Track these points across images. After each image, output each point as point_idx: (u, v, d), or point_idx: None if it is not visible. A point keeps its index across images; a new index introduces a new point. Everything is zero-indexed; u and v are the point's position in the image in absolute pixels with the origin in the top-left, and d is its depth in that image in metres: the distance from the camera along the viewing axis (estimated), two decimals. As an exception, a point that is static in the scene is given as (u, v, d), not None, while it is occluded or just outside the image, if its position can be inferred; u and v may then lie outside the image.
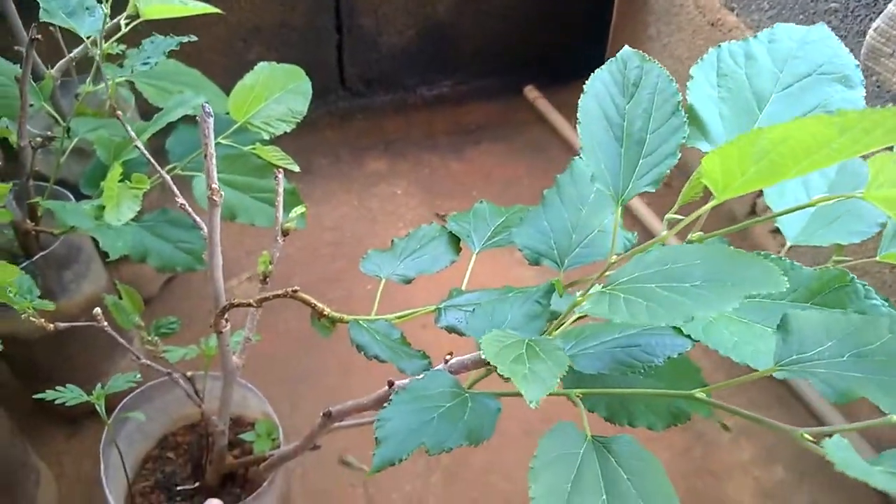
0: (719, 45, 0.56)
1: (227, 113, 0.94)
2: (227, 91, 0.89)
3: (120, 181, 0.75)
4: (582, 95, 0.42)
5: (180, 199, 0.63)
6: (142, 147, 0.63)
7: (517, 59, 1.84)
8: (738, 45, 0.55)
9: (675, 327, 0.45)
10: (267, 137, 0.84)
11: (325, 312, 0.59)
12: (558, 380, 0.34)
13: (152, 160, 0.64)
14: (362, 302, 1.33)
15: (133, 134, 0.63)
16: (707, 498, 1.13)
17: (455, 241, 0.68)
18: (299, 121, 0.88)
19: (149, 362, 0.65)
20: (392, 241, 0.68)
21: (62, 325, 0.62)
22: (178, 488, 0.79)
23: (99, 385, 0.69)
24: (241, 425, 0.84)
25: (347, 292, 1.35)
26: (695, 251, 0.35)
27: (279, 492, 0.76)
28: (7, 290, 0.59)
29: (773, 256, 0.50)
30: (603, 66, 0.44)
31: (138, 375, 0.70)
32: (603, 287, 0.37)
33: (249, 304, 0.59)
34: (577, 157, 0.67)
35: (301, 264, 1.40)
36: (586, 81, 0.45)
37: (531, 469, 0.34)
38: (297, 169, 0.82)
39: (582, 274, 0.64)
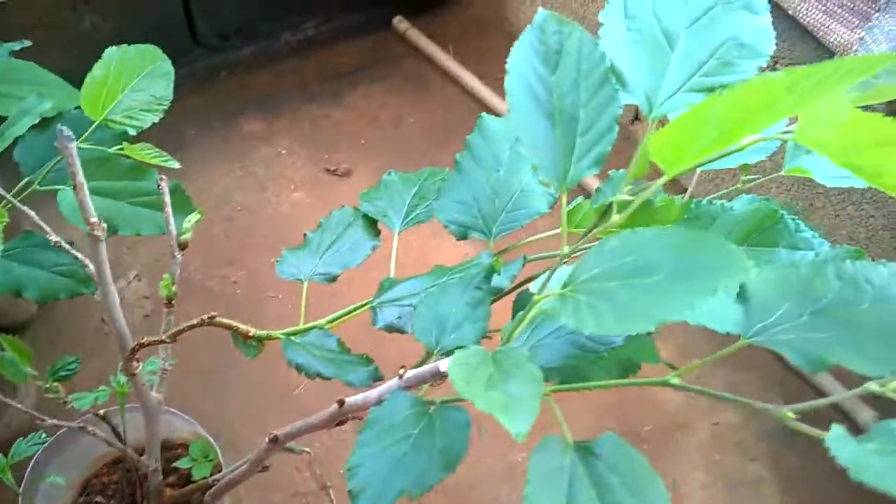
0: (624, -16, 0.53)
1: (78, 107, 0.83)
2: (73, 76, 0.77)
3: (-31, 217, 0.65)
4: (506, 76, 0.38)
5: (53, 237, 0.54)
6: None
7: (380, -12, 1.74)
8: (642, -20, 0.52)
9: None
10: (133, 132, 0.74)
11: (251, 334, 0.54)
12: (539, 401, 0.32)
13: (5, 194, 0.55)
14: (268, 278, 1.27)
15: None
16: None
17: (372, 223, 0.64)
18: (166, 107, 0.78)
19: (56, 422, 0.58)
20: (304, 235, 0.63)
21: (-59, 404, 0.54)
22: (118, 530, 0.73)
23: (0, 456, 0.61)
24: (170, 449, 0.78)
25: (249, 271, 1.28)
26: (655, 238, 0.33)
27: (230, 512, 0.72)
28: None
29: (703, 202, 0.50)
30: (521, 37, 0.40)
31: (44, 435, 0.62)
32: (563, 288, 0.35)
33: (162, 342, 0.53)
34: (484, 113, 0.64)
35: (194, 249, 1.30)
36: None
37: (525, 497, 0.32)
38: (176, 165, 0.73)
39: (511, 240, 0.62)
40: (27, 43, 0.58)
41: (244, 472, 0.62)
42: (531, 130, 0.38)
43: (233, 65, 1.61)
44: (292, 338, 0.53)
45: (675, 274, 0.31)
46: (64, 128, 0.49)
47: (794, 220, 0.47)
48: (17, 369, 0.64)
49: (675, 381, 0.37)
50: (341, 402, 0.49)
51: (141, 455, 0.67)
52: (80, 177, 0.50)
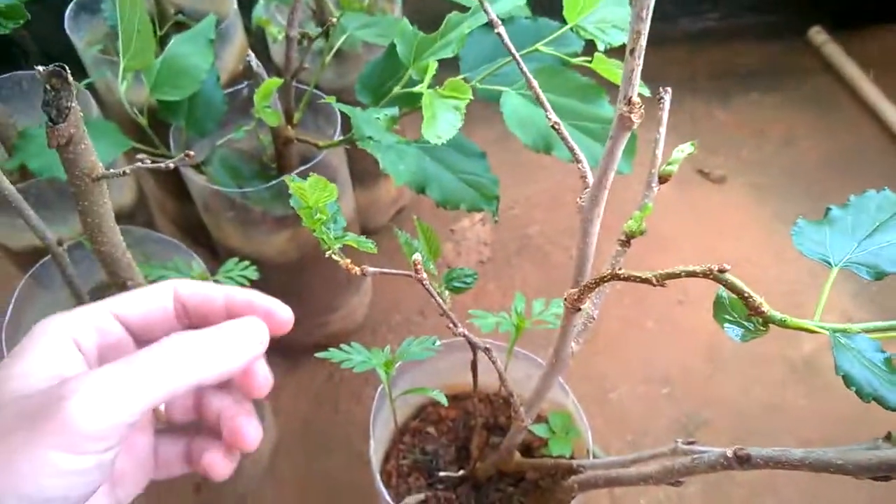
0: None
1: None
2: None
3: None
4: None
5: (553, 117, 0.45)
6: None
7: (803, -8, 1.51)
8: None
9: None
10: (601, 49, 0.64)
11: (763, 310, 0.39)
12: None
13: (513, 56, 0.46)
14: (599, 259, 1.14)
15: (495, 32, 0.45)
16: None
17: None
18: (636, 30, 0.67)
19: (466, 333, 0.49)
20: (827, 210, 0.47)
21: (371, 269, 0.47)
22: (441, 474, 0.64)
23: (387, 348, 0.54)
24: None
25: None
26: None
27: (578, 511, 0.59)
28: (317, 214, 0.44)
29: None
30: None
31: (438, 343, 0.54)
32: None
33: (646, 281, 0.40)
34: None
35: (542, 209, 1.21)
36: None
37: None
38: (646, 92, 0.62)
39: None
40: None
41: (647, 476, 0.48)
42: None
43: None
44: (839, 336, 0.37)
45: None
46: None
47: None
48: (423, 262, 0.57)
49: None
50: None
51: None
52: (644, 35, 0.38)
